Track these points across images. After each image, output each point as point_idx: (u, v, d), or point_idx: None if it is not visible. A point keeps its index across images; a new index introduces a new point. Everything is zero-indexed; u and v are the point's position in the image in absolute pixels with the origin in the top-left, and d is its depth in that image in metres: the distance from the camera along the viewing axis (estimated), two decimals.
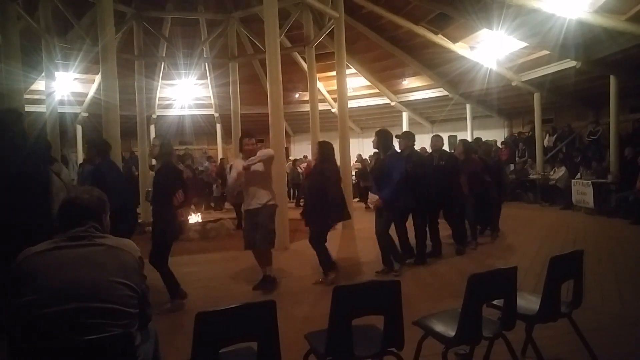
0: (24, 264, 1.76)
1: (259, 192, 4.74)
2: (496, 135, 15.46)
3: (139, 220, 10.25)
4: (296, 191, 14.67)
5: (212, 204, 13.51)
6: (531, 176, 12.59)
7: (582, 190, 10.08)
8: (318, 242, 5.03)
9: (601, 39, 9.06)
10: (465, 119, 15.38)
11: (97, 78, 13.55)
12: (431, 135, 7.24)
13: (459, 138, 10.80)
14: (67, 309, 1.66)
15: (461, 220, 6.55)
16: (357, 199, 12.21)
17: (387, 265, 5.37)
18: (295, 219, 8.19)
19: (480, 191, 6.68)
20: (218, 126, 17.87)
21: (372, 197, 5.49)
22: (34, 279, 1.70)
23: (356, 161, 14.40)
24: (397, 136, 5.93)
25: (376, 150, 5.82)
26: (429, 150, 7.13)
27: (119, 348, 1.67)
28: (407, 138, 5.96)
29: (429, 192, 5.74)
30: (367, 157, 13.76)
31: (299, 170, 14.67)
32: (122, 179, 5.01)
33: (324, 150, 5.16)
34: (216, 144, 18.20)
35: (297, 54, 15.13)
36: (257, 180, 4.75)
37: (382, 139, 5.41)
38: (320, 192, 4.92)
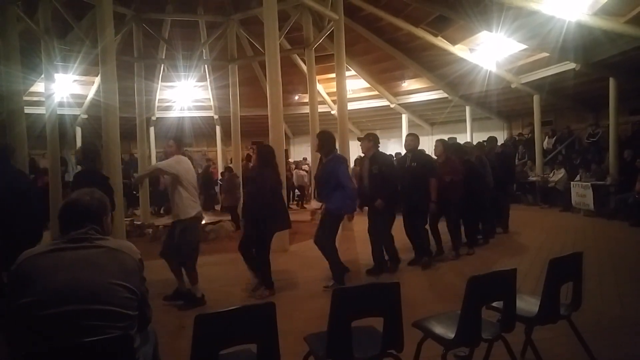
0: (24, 265, 1.76)
1: (174, 204, 4.53)
2: (496, 137, 15.47)
3: (138, 222, 10.27)
4: (294, 192, 14.66)
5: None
6: (530, 178, 12.60)
7: (582, 193, 10.08)
8: (261, 253, 4.78)
9: (601, 41, 9.08)
10: (465, 121, 15.38)
11: (97, 80, 13.54)
12: (433, 138, 7.17)
13: (458, 140, 10.79)
14: (67, 311, 1.66)
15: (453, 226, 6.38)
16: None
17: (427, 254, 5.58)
18: (295, 221, 8.19)
19: (464, 196, 6.21)
20: (217, 128, 17.87)
21: (315, 204, 5.34)
22: (34, 281, 1.70)
23: (355, 165, 14.40)
24: (359, 139, 5.75)
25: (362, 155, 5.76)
26: (430, 152, 7.07)
27: (119, 350, 1.67)
28: (368, 139, 5.60)
29: (396, 195, 5.54)
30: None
31: (304, 172, 14.66)
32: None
33: (263, 155, 4.93)
34: (216, 146, 18.20)
35: (297, 56, 15.15)
36: (171, 191, 4.52)
37: (324, 142, 5.10)
38: (258, 199, 4.70)
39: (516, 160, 13.81)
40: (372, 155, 5.50)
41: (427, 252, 5.91)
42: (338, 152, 5.26)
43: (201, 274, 4.96)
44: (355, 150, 15.44)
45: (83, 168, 4.40)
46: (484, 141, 8.50)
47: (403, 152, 6.80)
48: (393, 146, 15.46)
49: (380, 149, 5.73)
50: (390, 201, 5.40)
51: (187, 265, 4.52)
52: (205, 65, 15.40)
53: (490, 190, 7.20)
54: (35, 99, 12.30)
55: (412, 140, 6.10)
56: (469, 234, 6.70)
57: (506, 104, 14.82)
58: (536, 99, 12.85)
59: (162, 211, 13.11)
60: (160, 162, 4.54)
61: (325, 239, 5.00)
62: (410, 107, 16.74)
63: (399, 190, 5.66)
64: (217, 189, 13.57)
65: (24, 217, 3.64)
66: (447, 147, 6.39)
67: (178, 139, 4.84)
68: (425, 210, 5.88)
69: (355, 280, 5.16)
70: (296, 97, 17.29)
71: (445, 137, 7.51)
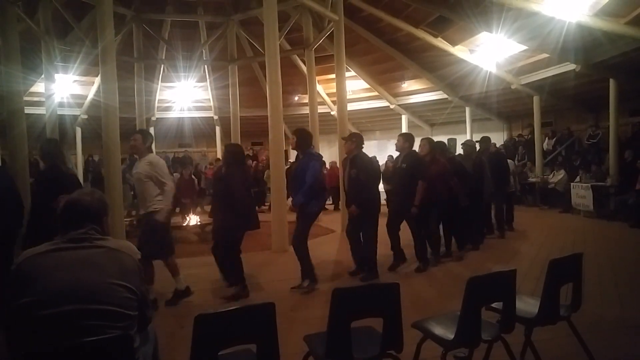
0: (24, 265, 1.76)
1: (143, 198, 4.45)
2: (495, 138, 15.46)
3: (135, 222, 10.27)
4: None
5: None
6: (530, 179, 12.60)
7: (582, 194, 10.08)
8: (232, 254, 4.66)
9: (601, 42, 9.09)
10: (465, 121, 15.40)
11: (97, 80, 13.55)
12: (433, 138, 7.03)
13: (458, 141, 10.79)
14: (67, 311, 1.66)
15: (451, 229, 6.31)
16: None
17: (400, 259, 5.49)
18: (294, 221, 8.17)
19: (448, 198, 5.96)
20: (217, 129, 17.88)
21: (290, 201, 5.03)
22: (34, 281, 1.70)
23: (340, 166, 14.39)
24: (343, 139, 5.61)
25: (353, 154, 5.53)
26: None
27: (118, 350, 1.67)
28: (351, 140, 5.40)
29: (374, 200, 5.30)
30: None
31: None
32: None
33: (232, 154, 4.81)
34: (215, 146, 18.21)
35: (297, 57, 15.17)
36: (139, 185, 4.46)
37: (301, 139, 5.01)
38: (226, 200, 4.58)
39: (515, 161, 13.83)
40: (353, 157, 5.32)
41: (401, 258, 5.74)
42: (314, 150, 5.13)
43: (200, 274, 4.99)
44: None
45: (47, 165, 4.29)
46: (476, 141, 8.42)
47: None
48: (392, 147, 15.45)
49: (380, 150, 5.69)
50: (367, 206, 5.19)
51: (161, 257, 4.50)
52: (205, 66, 15.41)
53: (489, 193, 7.02)
54: (35, 99, 12.31)
55: (402, 141, 5.81)
56: (457, 238, 6.46)
57: (506, 105, 14.83)
58: (536, 100, 12.86)
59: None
60: (165, 187, 4.37)
61: (295, 236, 4.92)
62: (410, 108, 16.75)
63: (376, 194, 5.44)
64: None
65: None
66: (434, 146, 6.12)
67: (145, 132, 4.74)
68: (409, 214, 5.62)
69: (356, 281, 5.16)
70: (296, 98, 17.30)
71: (445, 138, 7.44)
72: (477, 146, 7.86)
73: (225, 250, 4.71)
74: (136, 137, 4.49)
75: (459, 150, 8.24)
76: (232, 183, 4.57)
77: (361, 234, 5.36)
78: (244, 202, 4.64)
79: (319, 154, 5.18)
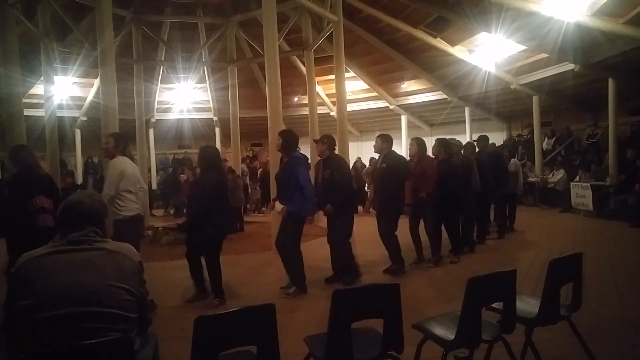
0: (24, 267, 1.76)
1: (114, 203, 4.23)
2: (495, 138, 15.47)
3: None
4: None
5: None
6: (530, 179, 12.60)
7: (581, 193, 10.09)
8: (211, 262, 4.54)
9: (599, 42, 9.09)
10: (464, 122, 15.40)
11: (96, 82, 13.54)
12: (432, 139, 6.98)
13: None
14: (66, 313, 1.66)
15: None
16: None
17: (397, 263, 5.37)
18: None
19: (442, 198, 5.81)
20: (217, 130, 17.87)
21: (277, 206, 4.83)
22: (33, 283, 1.70)
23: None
24: (314, 141, 5.46)
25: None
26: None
27: (118, 352, 1.67)
28: (322, 142, 5.30)
29: (350, 201, 5.20)
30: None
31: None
32: None
33: (205, 157, 4.65)
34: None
35: (296, 58, 15.16)
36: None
37: (286, 141, 4.87)
38: (203, 203, 4.41)
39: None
40: (326, 158, 5.24)
41: (397, 260, 5.56)
42: (301, 152, 4.97)
43: None
44: (354, 152, 15.52)
45: (21, 168, 4.19)
46: (474, 140, 8.30)
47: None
48: (393, 148, 15.45)
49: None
50: (343, 207, 5.08)
51: None
52: (205, 67, 15.40)
53: (474, 193, 6.70)
54: (34, 101, 12.31)
55: (380, 142, 5.70)
56: (453, 241, 6.25)
57: (505, 104, 14.84)
58: (535, 99, 12.87)
59: (170, 212, 13.16)
60: (107, 191, 4.16)
61: (287, 243, 4.78)
62: (409, 108, 16.75)
63: (353, 195, 5.37)
64: None
65: None
66: (422, 146, 6.01)
67: (118, 136, 4.57)
68: (394, 214, 5.52)
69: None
70: (295, 99, 17.30)
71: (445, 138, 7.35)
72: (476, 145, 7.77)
73: (205, 256, 4.56)
74: (108, 140, 4.42)
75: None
76: (208, 188, 4.43)
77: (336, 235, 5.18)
78: (219, 208, 4.47)
79: (305, 156, 5.01)
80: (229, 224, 4.65)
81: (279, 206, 4.78)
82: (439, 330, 2.45)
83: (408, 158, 6.30)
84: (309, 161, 5.47)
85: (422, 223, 6.03)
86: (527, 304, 2.76)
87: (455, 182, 6.05)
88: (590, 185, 9.80)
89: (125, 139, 4.54)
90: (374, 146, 5.83)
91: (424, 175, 5.73)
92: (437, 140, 6.41)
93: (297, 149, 4.94)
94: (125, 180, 4.25)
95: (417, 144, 6.00)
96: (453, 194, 5.96)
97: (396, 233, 5.55)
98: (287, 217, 4.78)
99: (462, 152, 7.15)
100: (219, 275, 4.56)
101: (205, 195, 4.43)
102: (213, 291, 4.59)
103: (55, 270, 1.74)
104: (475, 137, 13.08)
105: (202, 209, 4.43)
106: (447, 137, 7.18)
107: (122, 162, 4.31)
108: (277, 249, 4.96)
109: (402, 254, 5.58)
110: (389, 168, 5.49)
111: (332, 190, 5.08)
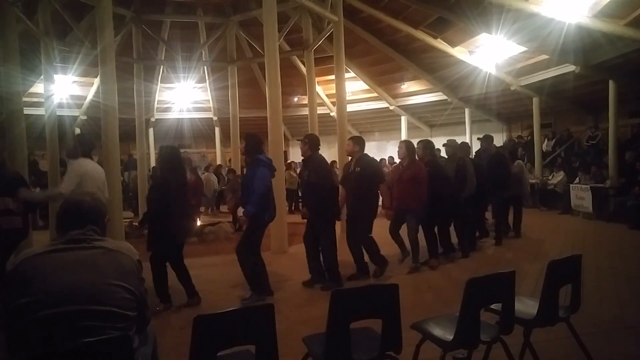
0: (23, 266, 1.76)
1: None
2: (495, 139, 15.50)
3: (137, 223, 10.27)
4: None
5: None
6: (530, 180, 12.59)
7: (581, 195, 10.09)
8: (175, 265, 4.45)
9: (600, 43, 9.09)
10: (464, 123, 15.42)
11: (96, 81, 13.54)
12: (432, 140, 6.80)
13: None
14: (66, 312, 1.66)
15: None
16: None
17: (361, 270, 5.25)
18: (293, 222, 8.19)
19: (432, 202, 5.53)
20: (217, 130, 17.89)
21: (239, 211, 4.69)
22: (33, 281, 1.70)
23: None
24: (298, 140, 5.39)
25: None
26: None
27: (117, 351, 1.67)
28: (304, 142, 5.13)
29: (329, 203, 5.00)
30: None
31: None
32: None
33: (167, 157, 4.57)
34: (215, 147, 18.21)
35: (296, 58, 15.17)
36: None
37: (249, 145, 4.68)
38: (163, 206, 4.27)
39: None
40: (307, 159, 5.10)
41: (361, 267, 5.35)
42: (265, 155, 4.75)
43: (200, 275, 4.97)
44: None
45: None
46: (478, 139, 8.22)
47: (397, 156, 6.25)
48: (392, 148, 15.46)
49: (380, 151, 5.59)
50: (319, 210, 4.94)
51: None
52: (205, 67, 15.42)
53: (469, 196, 6.39)
54: (34, 100, 12.30)
55: (352, 144, 5.42)
56: (436, 245, 6.00)
57: (505, 106, 14.84)
58: (535, 101, 12.87)
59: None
60: (62, 187, 4.07)
61: (243, 248, 4.59)
62: (409, 109, 16.76)
63: (333, 197, 5.17)
64: None
65: None
66: (411, 150, 5.67)
67: (80, 137, 4.51)
68: (367, 220, 5.28)
69: (356, 282, 5.15)
70: (295, 99, 17.31)
71: (444, 139, 7.31)
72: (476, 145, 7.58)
73: (171, 262, 4.47)
74: (70, 142, 4.37)
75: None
76: (168, 190, 4.30)
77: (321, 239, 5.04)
78: (180, 211, 4.35)
79: (269, 160, 4.78)
80: (188, 228, 4.54)
81: (240, 210, 4.63)
82: (438, 331, 2.45)
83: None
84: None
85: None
86: (526, 305, 2.77)
87: (441, 185, 5.76)
88: (590, 187, 9.81)
89: (88, 142, 4.39)
90: (346, 148, 5.64)
91: (414, 180, 5.44)
92: (420, 141, 6.14)
93: (263, 152, 4.74)
94: (85, 184, 4.10)
95: (406, 147, 5.66)
96: (440, 197, 5.69)
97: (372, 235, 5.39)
98: (248, 221, 4.61)
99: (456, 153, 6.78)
100: (188, 277, 4.51)
101: (163, 197, 4.31)
102: (187, 294, 4.53)
103: (54, 268, 1.74)
104: (475, 138, 13.15)
105: (162, 210, 4.30)
106: (447, 138, 7.10)
107: (82, 166, 4.18)
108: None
109: (381, 256, 5.43)
110: (362, 172, 5.24)
111: (309, 192, 4.96)
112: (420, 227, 5.75)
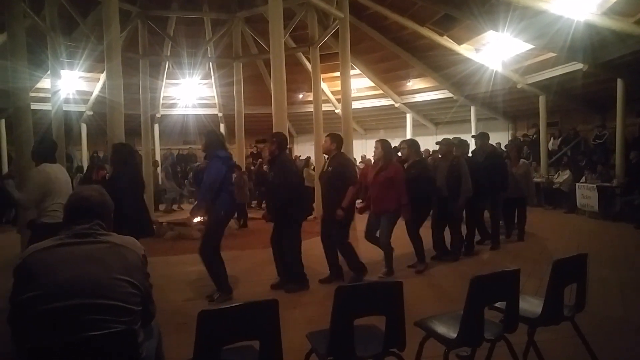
0: (29, 260, 1.77)
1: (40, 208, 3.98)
2: (500, 137, 15.43)
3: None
4: None
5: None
6: (535, 179, 12.53)
7: (587, 194, 10.03)
8: None
9: (609, 41, 9.01)
10: (470, 121, 15.36)
11: (102, 76, 13.60)
12: (437, 138, 6.72)
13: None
14: (71, 305, 1.67)
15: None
16: (359, 200, 12.16)
17: (334, 274, 5.10)
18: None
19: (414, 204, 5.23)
20: (222, 126, 17.91)
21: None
22: (39, 275, 1.71)
23: (360, 162, 14.38)
24: (270, 137, 5.05)
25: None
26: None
27: (122, 344, 1.68)
28: (271, 141, 4.97)
29: (297, 204, 4.81)
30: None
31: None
32: None
33: (119, 155, 4.50)
34: None
35: (302, 54, 15.16)
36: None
37: (209, 142, 4.61)
38: (116, 204, 4.27)
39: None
40: (273, 159, 4.92)
41: (335, 270, 5.17)
42: (225, 153, 4.64)
43: (204, 270, 4.97)
44: (359, 150, 15.49)
45: None
46: (473, 136, 7.81)
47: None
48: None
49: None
50: (286, 210, 4.77)
51: None
52: (210, 63, 15.44)
53: (464, 199, 5.96)
54: (41, 95, 12.38)
55: (329, 142, 5.12)
56: (421, 248, 5.68)
57: (512, 104, 14.76)
58: (542, 99, 12.79)
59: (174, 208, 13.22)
60: (23, 194, 3.92)
61: (205, 247, 4.52)
62: (414, 107, 16.71)
63: (300, 197, 4.99)
64: None
65: None
66: (388, 150, 5.35)
67: (40, 142, 4.26)
68: (343, 221, 4.99)
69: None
70: (300, 96, 17.31)
71: (450, 137, 7.13)
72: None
73: None
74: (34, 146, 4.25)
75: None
76: (119, 186, 4.22)
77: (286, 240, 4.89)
78: (133, 207, 4.28)
79: (227, 156, 4.67)
80: (143, 226, 4.45)
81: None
82: (441, 329, 2.45)
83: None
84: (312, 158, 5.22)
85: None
86: (530, 304, 2.76)
87: (428, 186, 5.56)
88: (596, 186, 9.75)
89: (49, 146, 4.20)
90: (322, 146, 5.35)
91: (390, 182, 5.15)
92: (404, 141, 5.89)
93: (223, 149, 4.64)
94: (60, 189, 3.95)
95: (382, 147, 5.29)
96: (426, 199, 5.51)
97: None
98: (208, 217, 4.54)
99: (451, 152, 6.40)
100: None
101: (117, 193, 4.29)
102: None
103: (60, 262, 1.75)
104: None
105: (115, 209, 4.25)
106: (451, 136, 7.01)
107: (48, 173, 3.96)
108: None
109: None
110: (333, 172, 4.99)
111: (273, 193, 4.82)
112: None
